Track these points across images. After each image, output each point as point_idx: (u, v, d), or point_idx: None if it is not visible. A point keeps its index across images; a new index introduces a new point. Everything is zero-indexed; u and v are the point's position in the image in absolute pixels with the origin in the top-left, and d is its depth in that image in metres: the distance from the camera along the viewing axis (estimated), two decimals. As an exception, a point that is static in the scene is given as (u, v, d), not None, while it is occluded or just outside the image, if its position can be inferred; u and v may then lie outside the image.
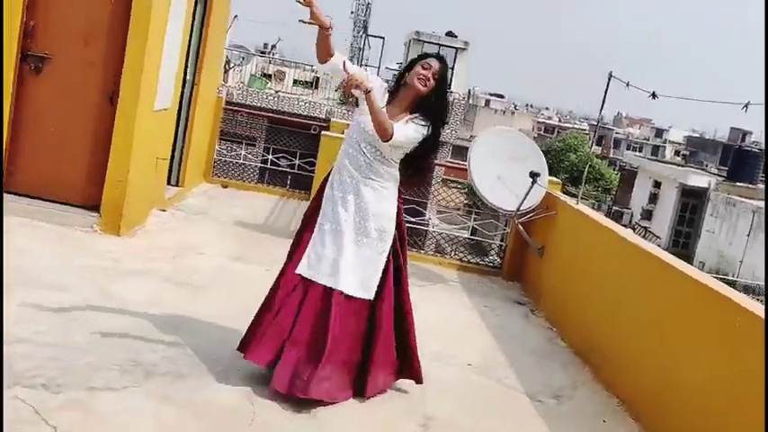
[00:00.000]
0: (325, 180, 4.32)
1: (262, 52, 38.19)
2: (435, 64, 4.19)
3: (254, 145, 12.68)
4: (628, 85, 6.20)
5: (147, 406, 3.79)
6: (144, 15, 6.55)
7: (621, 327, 5.40)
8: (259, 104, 23.19)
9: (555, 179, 7.93)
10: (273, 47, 40.91)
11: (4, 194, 6.73)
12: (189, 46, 8.57)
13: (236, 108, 11.45)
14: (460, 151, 27.29)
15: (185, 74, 8.64)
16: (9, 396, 3.59)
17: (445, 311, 6.48)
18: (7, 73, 6.56)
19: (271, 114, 12.68)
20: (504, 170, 7.14)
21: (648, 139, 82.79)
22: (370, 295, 4.17)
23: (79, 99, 6.74)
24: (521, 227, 7.26)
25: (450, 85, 25.44)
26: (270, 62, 31.16)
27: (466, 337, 5.91)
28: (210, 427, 3.73)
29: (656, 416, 4.62)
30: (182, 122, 8.98)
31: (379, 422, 4.13)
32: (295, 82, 29.33)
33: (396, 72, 24.25)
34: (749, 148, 37.05)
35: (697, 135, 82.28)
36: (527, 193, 6.80)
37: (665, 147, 79.60)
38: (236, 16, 25.79)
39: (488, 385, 4.99)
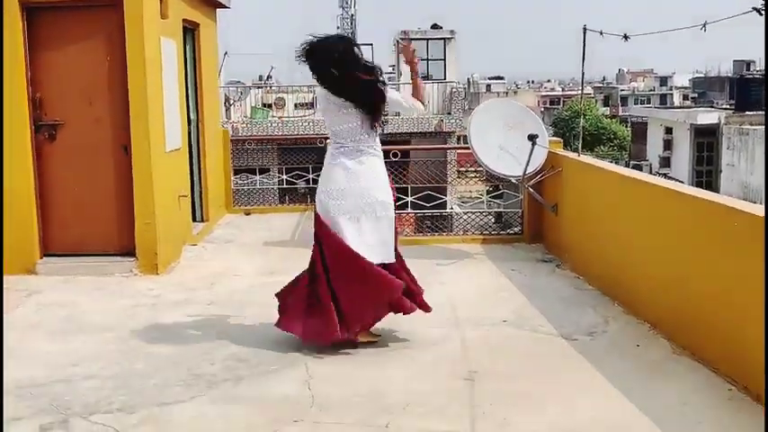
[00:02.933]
0: None
1: (259, 86, 38.75)
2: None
3: (269, 172, 13.09)
4: (601, 33, 6.47)
5: (214, 409, 4.15)
6: (139, 67, 6.94)
7: (640, 257, 5.67)
8: (266, 134, 23.65)
9: (556, 139, 8.20)
10: (269, 77, 41.46)
11: (45, 258, 7.18)
12: (186, 87, 8.97)
13: (245, 138, 11.83)
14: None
15: (188, 114, 9.05)
16: (89, 423, 3.96)
17: (475, 281, 6.78)
18: (25, 145, 6.99)
19: (278, 137, 13.09)
20: (503, 140, 7.43)
21: (654, 90, 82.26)
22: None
23: (95, 155, 7.14)
24: (531, 190, 7.55)
25: (444, 75, 25.77)
26: (268, 92, 31.62)
27: (497, 299, 6.21)
28: (278, 415, 4.06)
29: (685, 331, 4.89)
30: (195, 160, 9.38)
31: (428, 382, 4.45)
32: (295, 106, 29.76)
33: (390, 74, 24.34)
34: (751, 76, 36.91)
35: (701, 76, 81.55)
36: (529, 156, 7.08)
37: (672, 94, 79.04)
38: (225, 53, 26.29)
39: (524, 335, 5.30)
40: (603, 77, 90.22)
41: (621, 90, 79.67)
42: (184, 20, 8.59)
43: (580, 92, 7.46)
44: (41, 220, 7.18)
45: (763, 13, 5.24)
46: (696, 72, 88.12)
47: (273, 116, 26.55)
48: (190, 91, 9.21)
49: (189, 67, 9.20)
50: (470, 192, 9.76)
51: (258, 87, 32.17)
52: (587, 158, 7.21)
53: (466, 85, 64.50)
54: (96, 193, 7.19)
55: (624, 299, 5.84)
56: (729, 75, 67.64)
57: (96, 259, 7.18)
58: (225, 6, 10.44)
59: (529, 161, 7.11)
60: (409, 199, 8.62)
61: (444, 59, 25.70)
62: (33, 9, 6.97)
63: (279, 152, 12.39)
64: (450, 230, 12.40)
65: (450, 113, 24.09)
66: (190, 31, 9.14)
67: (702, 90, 71.68)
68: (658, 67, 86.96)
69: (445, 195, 9.04)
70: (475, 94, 70.50)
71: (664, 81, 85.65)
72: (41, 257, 7.19)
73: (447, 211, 9.00)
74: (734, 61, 69.49)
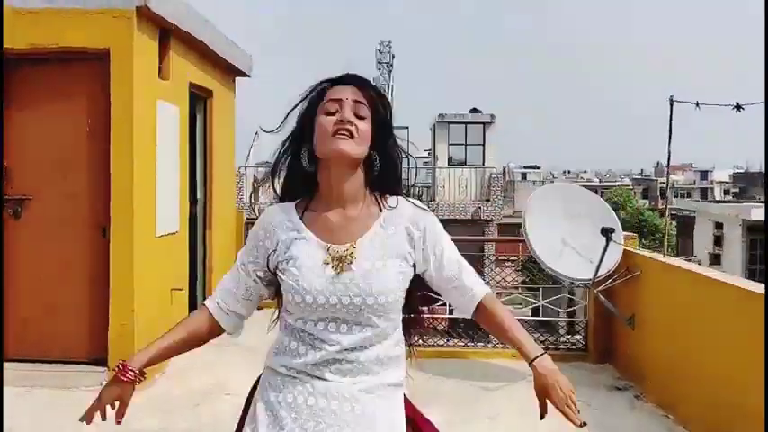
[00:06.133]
0: None
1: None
2: (347, 93, 2.05)
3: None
4: (697, 105, 5.14)
5: None
6: (125, 133, 5.73)
7: (759, 396, 4.15)
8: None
9: (630, 234, 6.76)
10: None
11: (-2, 363, 5.83)
12: (194, 162, 7.75)
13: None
14: (506, 230, 26.04)
15: (194, 193, 7.80)
16: None
17: (531, 419, 5.24)
18: (-17, 224, 5.74)
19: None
20: (567, 232, 6.02)
21: (694, 183, 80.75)
22: None
23: (68, 238, 5.87)
24: (602, 297, 6.07)
25: (483, 160, 24.55)
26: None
27: (565, 447, 4.68)
28: None
29: None
30: (199, 245, 8.08)
31: None
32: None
33: (426, 159, 22.58)
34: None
35: (742, 171, 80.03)
36: (603, 254, 5.64)
37: (712, 188, 77.43)
38: (256, 133, 25.41)
39: None
40: (641, 170, 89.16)
41: (661, 183, 78.12)
42: (194, 85, 7.41)
43: (666, 176, 6.04)
44: (-4, 315, 5.87)
45: None
46: (736, 167, 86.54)
47: (303, 199, 25.41)
48: (198, 166, 7.99)
49: (198, 140, 8.00)
50: (508, 275, 8.27)
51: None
52: (676, 260, 5.75)
53: (502, 174, 63.56)
54: (65, 286, 5.88)
55: (742, 456, 4.29)
56: (772, 169, 65.87)
57: (60, 367, 5.82)
58: (245, 75, 9.31)
59: (601, 261, 5.67)
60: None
61: (483, 144, 24.50)
62: (4, 62, 5.81)
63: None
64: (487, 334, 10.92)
65: (488, 200, 22.74)
66: (201, 98, 7.97)
67: (744, 185, 69.97)
68: (697, 160, 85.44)
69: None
70: (510, 182, 69.49)
71: (704, 175, 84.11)
72: (-7, 362, 5.83)
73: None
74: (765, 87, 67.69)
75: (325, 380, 1.99)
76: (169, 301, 6.61)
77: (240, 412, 2.30)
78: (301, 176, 2.09)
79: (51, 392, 5.54)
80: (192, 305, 7.77)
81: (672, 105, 5.50)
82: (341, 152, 1.99)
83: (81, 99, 5.86)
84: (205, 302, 2.16)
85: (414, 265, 2.07)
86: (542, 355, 2.02)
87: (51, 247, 5.87)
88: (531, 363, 2.03)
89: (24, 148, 5.88)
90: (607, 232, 5.64)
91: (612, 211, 6.19)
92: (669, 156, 5.28)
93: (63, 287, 5.88)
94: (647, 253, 6.15)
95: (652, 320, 5.79)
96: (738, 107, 4.98)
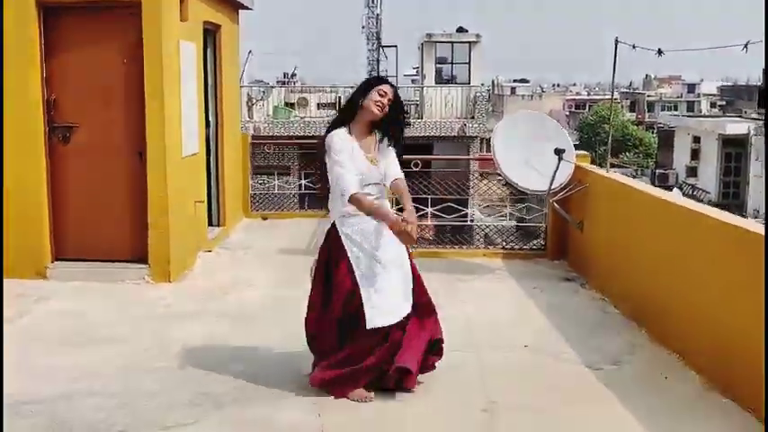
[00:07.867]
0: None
1: (282, 83, 38.59)
2: (390, 91, 4.36)
3: (289, 174, 12.94)
4: (634, 47, 6.22)
5: (219, 435, 3.97)
6: (156, 70, 6.79)
7: (667, 283, 5.42)
8: (287, 134, 23.50)
9: (583, 152, 7.94)
10: (294, 75, 41.31)
11: (56, 262, 7.05)
12: (206, 90, 8.81)
13: (264, 141, 11.66)
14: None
15: (207, 117, 8.89)
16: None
17: (496, 300, 6.56)
18: (38, 147, 6.86)
19: (299, 141, 12.91)
20: (529, 153, 7.19)
21: (681, 96, 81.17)
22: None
23: (110, 159, 6.99)
24: (556, 205, 7.30)
25: (469, 79, 25.52)
26: (291, 91, 31.51)
27: (518, 321, 5.98)
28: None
29: (717, 365, 4.64)
30: (212, 164, 9.21)
31: (443, 414, 4.24)
32: (318, 106, 29.63)
33: (413, 78, 24.12)
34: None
35: (730, 84, 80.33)
36: (555, 171, 6.84)
37: (699, 101, 77.92)
38: (250, 52, 26.22)
39: (546, 362, 5.07)
40: (630, 83, 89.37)
41: (648, 96, 78.71)
42: (205, 22, 8.43)
43: (610, 101, 7.18)
44: (53, 223, 7.05)
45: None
46: (725, 80, 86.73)
47: (296, 116, 26.39)
48: (210, 94, 9.05)
49: (209, 70, 9.05)
50: (492, 193, 9.45)
51: (281, 86, 32.03)
52: (616, 175, 6.96)
53: (490, 88, 64.20)
54: (109, 198, 7.05)
55: (651, 325, 5.60)
56: (758, 83, 66.52)
57: (108, 265, 7.04)
58: (247, 8, 10.28)
59: (554, 176, 6.88)
60: (429, 210, 8.40)
61: (469, 63, 25.41)
62: (50, 9, 6.84)
63: (299, 155, 12.19)
64: (471, 241, 12.20)
65: (473, 117, 23.82)
66: (211, 32, 8.98)
67: (730, 98, 70.60)
68: (686, 72, 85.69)
69: (467, 207, 8.79)
70: (499, 96, 70.13)
71: (691, 88, 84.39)
72: (53, 261, 7.06)
73: (468, 222, 8.73)
74: (764, 70, 68.21)
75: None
76: (193, 212, 7.80)
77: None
78: (350, 114, 4.39)
79: (103, 285, 6.79)
80: (210, 215, 8.99)
81: (616, 46, 6.59)
82: (375, 115, 4.34)
83: (117, 41, 6.90)
84: (356, 194, 4.19)
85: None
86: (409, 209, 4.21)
87: (96, 167, 7.00)
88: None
89: (69, 83, 6.94)
90: (559, 152, 6.83)
91: (567, 134, 7.34)
92: (613, 93, 6.38)
93: (108, 200, 7.04)
94: (594, 169, 7.34)
95: (596, 225, 7.04)
96: (660, 52, 6.07)
